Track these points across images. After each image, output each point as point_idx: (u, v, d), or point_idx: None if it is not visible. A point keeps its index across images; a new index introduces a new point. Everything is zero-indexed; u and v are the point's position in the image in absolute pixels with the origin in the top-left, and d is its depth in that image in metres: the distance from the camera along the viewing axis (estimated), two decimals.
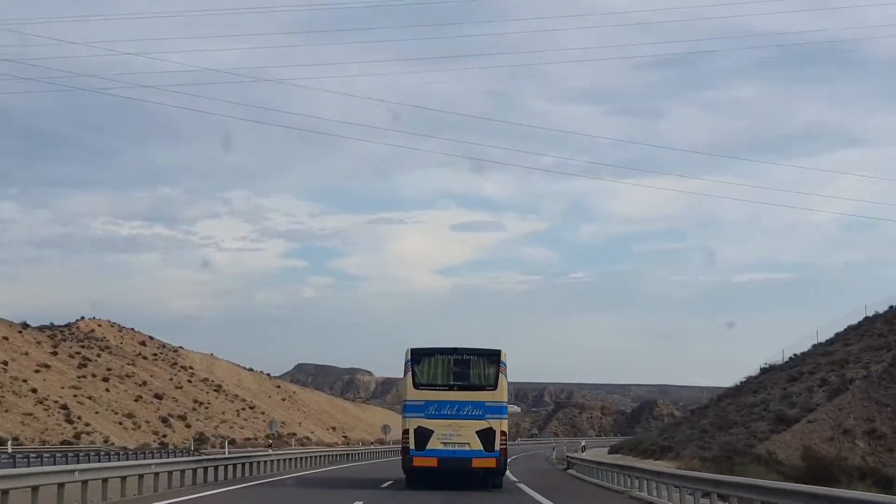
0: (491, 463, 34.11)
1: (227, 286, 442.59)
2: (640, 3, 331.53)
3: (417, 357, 34.89)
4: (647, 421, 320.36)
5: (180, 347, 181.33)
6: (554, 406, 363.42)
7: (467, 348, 35.23)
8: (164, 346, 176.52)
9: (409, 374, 34.57)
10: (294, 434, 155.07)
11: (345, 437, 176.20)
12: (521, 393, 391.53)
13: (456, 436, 33.89)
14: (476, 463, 33.97)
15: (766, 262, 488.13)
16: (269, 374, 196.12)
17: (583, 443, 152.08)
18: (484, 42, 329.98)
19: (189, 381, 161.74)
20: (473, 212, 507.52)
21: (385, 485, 37.57)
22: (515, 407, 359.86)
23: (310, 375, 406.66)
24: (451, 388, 34.35)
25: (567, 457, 59.37)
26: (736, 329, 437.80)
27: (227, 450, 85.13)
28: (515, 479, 43.28)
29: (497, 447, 34.11)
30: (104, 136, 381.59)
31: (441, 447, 34.01)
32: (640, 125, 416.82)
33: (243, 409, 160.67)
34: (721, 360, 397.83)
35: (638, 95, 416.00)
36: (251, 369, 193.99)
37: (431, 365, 34.88)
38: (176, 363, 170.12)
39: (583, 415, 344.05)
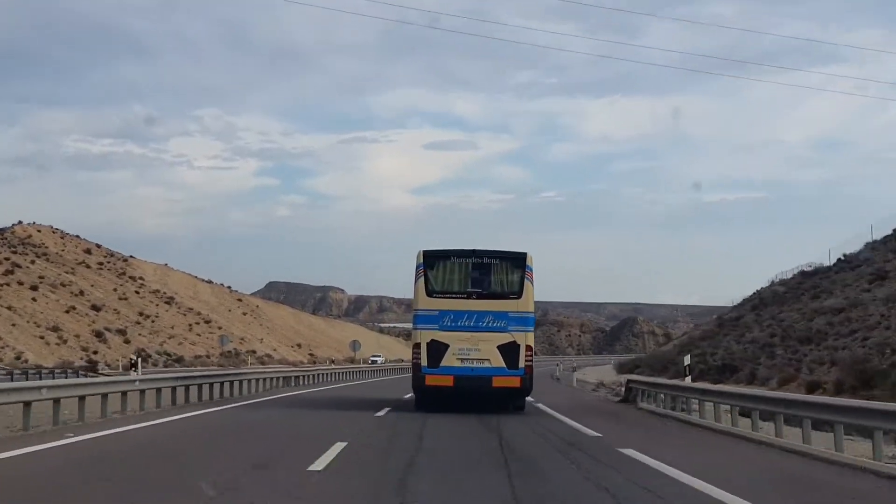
0: (514, 382, 28.96)
1: (199, 205, 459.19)
2: None
3: (431, 260, 29.35)
4: (627, 338, 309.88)
5: (131, 256, 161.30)
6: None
7: (488, 250, 29.74)
8: (111, 255, 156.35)
9: (421, 279, 29.05)
10: (253, 351, 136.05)
11: (311, 354, 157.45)
12: None
13: (474, 351, 28.77)
14: (497, 382, 28.92)
15: (740, 181, 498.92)
16: (229, 287, 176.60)
17: (574, 363, 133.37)
18: None
19: (137, 292, 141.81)
20: (446, 131, 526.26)
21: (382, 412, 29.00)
22: None
23: (281, 293, 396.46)
24: (468, 295, 28.96)
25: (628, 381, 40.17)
26: (709, 248, 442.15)
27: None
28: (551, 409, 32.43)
29: (521, 364, 28.90)
30: (73, 53, 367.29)
31: (458, 364, 28.60)
32: (614, 43, 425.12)
33: (197, 323, 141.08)
34: (695, 280, 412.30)
35: (613, 12, 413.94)
36: (210, 281, 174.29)
37: (447, 269, 29.51)
38: (124, 273, 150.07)
39: (561, 332, 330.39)
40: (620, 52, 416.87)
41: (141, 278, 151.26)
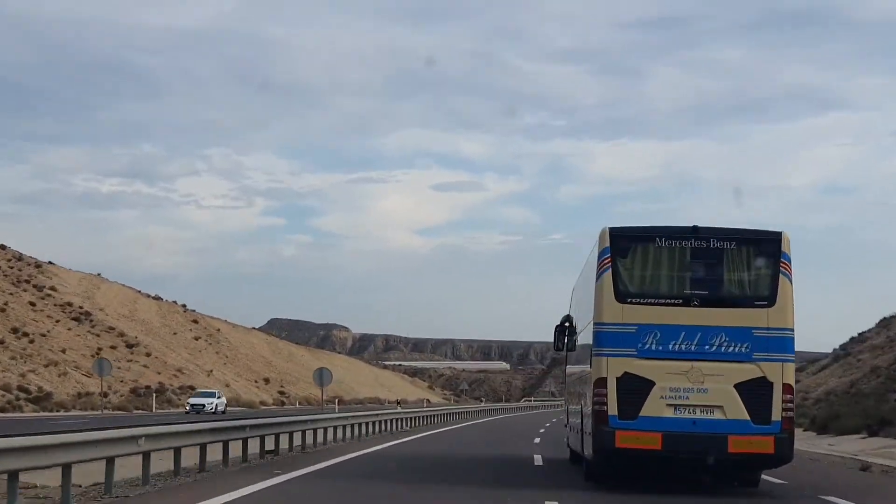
0: (765, 445, 16.88)
1: (206, 244, 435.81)
2: None
3: (623, 243, 17.87)
4: None
5: (49, 263, 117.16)
6: (549, 362, 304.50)
7: (719, 228, 17.90)
8: (20, 259, 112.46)
9: (608, 274, 17.67)
10: (191, 387, 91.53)
11: (281, 392, 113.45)
12: (505, 350, 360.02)
13: (697, 391, 16.97)
14: (736, 444, 16.86)
15: (745, 224, 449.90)
16: (184, 305, 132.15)
17: None
18: (466, 1, 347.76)
19: (32, 303, 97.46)
20: (454, 172, 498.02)
21: None
22: (503, 363, 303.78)
23: (283, 331, 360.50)
24: (687, 301, 17.38)
25: None
26: None
27: None
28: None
29: (777, 415, 16.87)
30: (83, 91, 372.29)
31: (669, 414, 17.06)
32: (622, 86, 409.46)
33: (113, 346, 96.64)
34: None
35: (621, 56, 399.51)
36: (158, 297, 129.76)
37: (650, 258, 17.75)
38: (29, 280, 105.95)
39: None
40: (628, 94, 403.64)
41: (52, 288, 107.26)
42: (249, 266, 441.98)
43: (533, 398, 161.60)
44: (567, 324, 22.73)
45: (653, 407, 16.92)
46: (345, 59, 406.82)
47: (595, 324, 17.73)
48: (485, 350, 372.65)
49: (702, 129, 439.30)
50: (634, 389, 17.04)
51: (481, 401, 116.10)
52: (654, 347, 17.06)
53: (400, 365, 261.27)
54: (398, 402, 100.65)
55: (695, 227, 17.74)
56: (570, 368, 23.86)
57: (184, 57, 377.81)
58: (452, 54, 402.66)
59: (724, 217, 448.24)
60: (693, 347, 16.99)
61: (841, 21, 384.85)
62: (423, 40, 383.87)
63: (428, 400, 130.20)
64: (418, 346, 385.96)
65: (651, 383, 16.97)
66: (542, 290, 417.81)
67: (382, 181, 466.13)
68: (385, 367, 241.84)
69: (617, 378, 17.11)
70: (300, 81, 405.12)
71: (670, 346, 17.04)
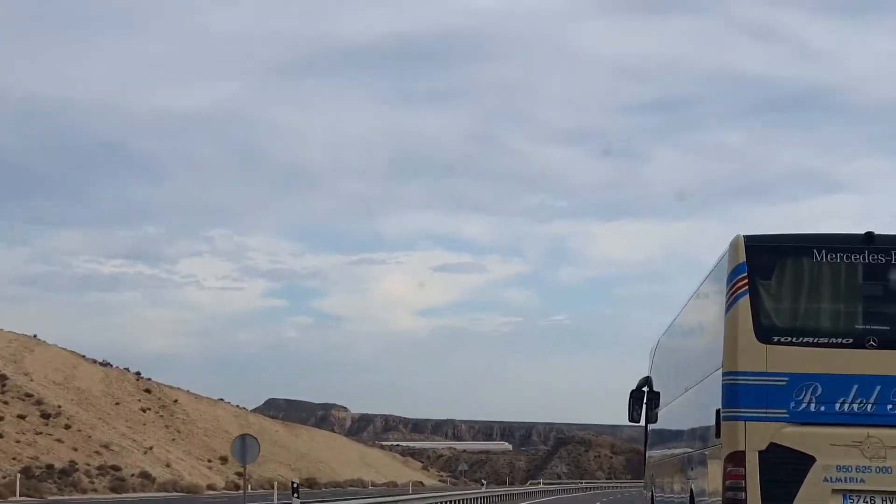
0: None
1: (207, 326, 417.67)
2: (626, 48, 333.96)
3: (766, 260, 13.17)
4: None
5: None
6: (554, 443, 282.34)
7: None
8: None
9: (743, 302, 12.93)
10: (114, 467, 70.53)
11: (238, 474, 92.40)
12: (507, 431, 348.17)
13: (876, 472, 12.38)
14: None
15: None
16: (138, 373, 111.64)
17: None
18: (467, 84, 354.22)
19: None
20: (455, 253, 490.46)
21: None
22: (505, 444, 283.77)
23: (281, 411, 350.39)
24: (859, 340, 12.65)
25: None
26: None
27: None
28: None
29: None
30: (85, 174, 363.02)
31: (837, 503, 12.51)
32: (622, 168, 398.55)
33: (23, 416, 75.95)
34: None
35: (621, 138, 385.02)
36: (106, 363, 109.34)
37: (805, 279, 13.05)
38: None
39: (589, 453, 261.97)
40: (628, 176, 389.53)
41: None
42: (250, 347, 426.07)
43: (542, 480, 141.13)
44: (647, 388, 18.49)
45: (813, 493, 12.17)
46: (347, 141, 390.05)
47: (725, 374, 12.70)
48: (486, 431, 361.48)
49: (703, 211, 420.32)
50: (786, 468, 12.32)
51: (482, 483, 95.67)
52: (813, 408, 12.39)
53: (398, 445, 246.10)
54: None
55: (869, 235, 12.67)
56: (656, 446, 18.34)
57: (187, 140, 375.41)
58: (454, 137, 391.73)
59: None
60: (869, 408, 12.23)
61: (840, 105, 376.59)
62: (425, 123, 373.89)
63: (421, 483, 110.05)
64: (418, 427, 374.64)
65: (810, 459, 12.27)
66: (543, 371, 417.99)
67: (384, 263, 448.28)
68: (381, 446, 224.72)
69: (760, 452, 12.36)
70: (302, 164, 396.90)
71: (837, 406, 12.33)
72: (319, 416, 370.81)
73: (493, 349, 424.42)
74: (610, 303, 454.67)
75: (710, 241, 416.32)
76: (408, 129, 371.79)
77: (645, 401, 19.02)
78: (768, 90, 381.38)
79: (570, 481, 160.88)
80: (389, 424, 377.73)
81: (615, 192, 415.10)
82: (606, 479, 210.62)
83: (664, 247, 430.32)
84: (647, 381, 19.05)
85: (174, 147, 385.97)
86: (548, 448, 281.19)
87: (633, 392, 19.47)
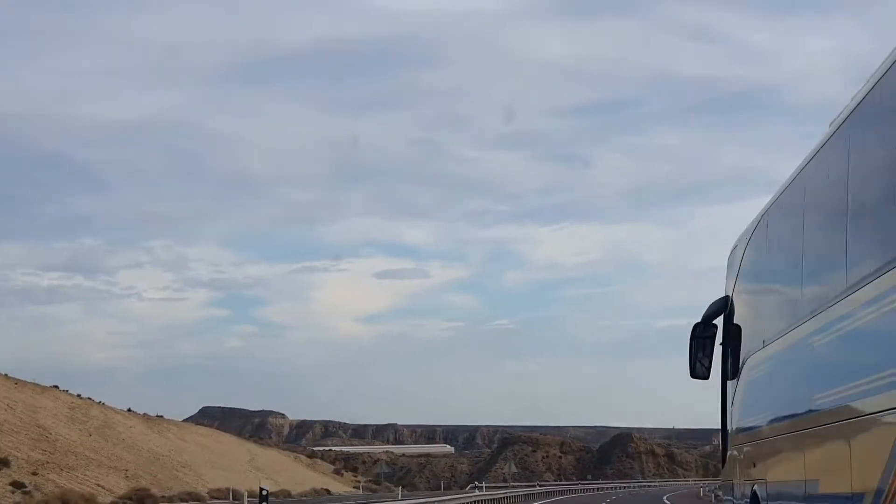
0: None
1: (148, 337, 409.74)
2: (564, 51, 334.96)
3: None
4: (620, 460, 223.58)
5: None
6: (499, 444, 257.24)
7: None
8: None
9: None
10: None
11: (141, 489, 64.50)
12: (450, 434, 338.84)
13: None
14: None
15: (689, 307, 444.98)
16: (6, 375, 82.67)
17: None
18: (408, 89, 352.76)
19: None
20: (398, 259, 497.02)
21: None
22: (447, 447, 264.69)
23: (216, 419, 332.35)
24: None
25: None
26: (664, 373, 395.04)
27: None
28: None
29: None
30: (23, 185, 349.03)
31: None
32: (564, 171, 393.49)
33: None
34: (654, 403, 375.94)
35: (562, 141, 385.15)
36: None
37: None
38: None
39: (537, 453, 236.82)
40: (569, 179, 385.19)
41: None
42: (192, 358, 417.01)
43: (483, 484, 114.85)
44: (731, 322, 11.40)
45: None
46: (288, 149, 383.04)
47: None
48: (429, 435, 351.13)
49: (644, 212, 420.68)
50: None
51: (397, 489, 69.29)
52: None
53: (331, 451, 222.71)
54: None
55: None
56: (759, 414, 10.28)
57: (127, 150, 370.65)
58: (396, 143, 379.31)
59: (667, 302, 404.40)
60: None
61: (776, 104, 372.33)
62: (367, 129, 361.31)
63: (327, 490, 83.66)
64: (359, 433, 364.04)
65: None
66: (487, 375, 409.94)
67: (327, 270, 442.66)
68: (312, 454, 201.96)
69: None
70: (243, 172, 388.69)
71: None
72: (256, 423, 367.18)
73: (437, 354, 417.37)
74: (553, 306, 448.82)
75: (650, 243, 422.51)
76: (350, 136, 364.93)
77: (723, 341, 10.79)
78: (705, 91, 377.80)
79: (523, 484, 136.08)
80: (329, 430, 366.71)
81: (556, 195, 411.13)
82: (556, 480, 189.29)
83: (606, 249, 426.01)
84: (724, 307, 10.86)
85: (113, 157, 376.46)
86: (492, 451, 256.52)
87: (697, 329, 11.08)
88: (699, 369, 12.19)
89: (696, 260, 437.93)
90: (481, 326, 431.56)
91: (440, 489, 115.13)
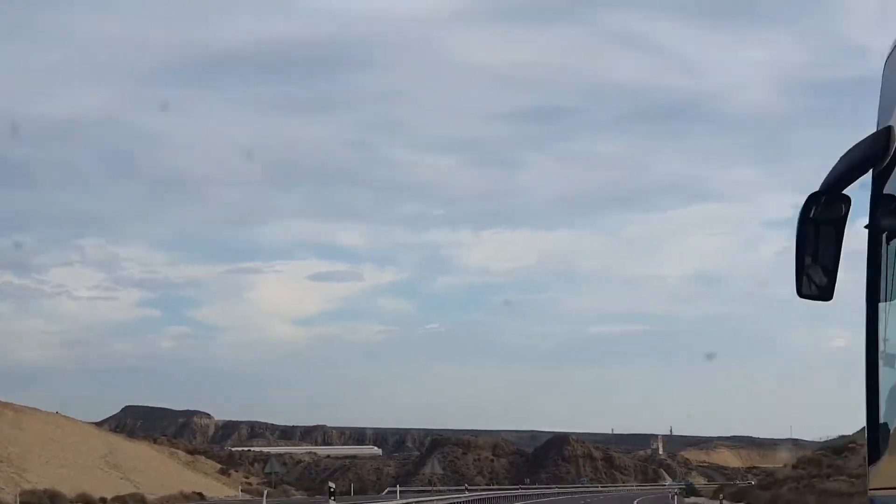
0: None
1: (79, 336, 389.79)
2: (501, 57, 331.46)
3: None
4: (555, 463, 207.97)
5: None
6: (429, 445, 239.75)
7: None
8: None
9: None
10: None
11: None
12: (380, 437, 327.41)
13: None
14: None
15: (623, 314, 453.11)
16: None
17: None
18: (344, 91, 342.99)
19: None
20: (332, 262, 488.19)
21: None
22: (374, 448, 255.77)
23: (139, 419, 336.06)
24: None
25: None
26: (597, 379, 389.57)
27: None
28: None
29: None
30: None
31: None
32: (499, 177, 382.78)
33: None
34: (589, 408, 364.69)
35: (497, 147, 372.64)
36: None
37: None
38: None
39: (468, 456, 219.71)
40: (504, 184, 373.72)
41: None
42: (122, 358, 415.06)
43: (399, 489, 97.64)
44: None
45: None
46: (222, 149, 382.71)
47: None
48: (358, 437, 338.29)
49: (578, 219, 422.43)
50: None
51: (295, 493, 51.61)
52: None
53: (249, 451, 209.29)
54: None
55: None
56: None
57: (60, 147, 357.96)
58: (331, 145, 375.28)
59: (600, 309, 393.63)
60: None
61: (710, 114, 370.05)
62: (303, 130, 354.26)
63: (200, 495, 65.76)
64: (286, 434, 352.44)
65: None
66: (418, 379, 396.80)
67: (260, 272, 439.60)
68: (231, 455, 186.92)
69: None
70: (177, 171, 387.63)
71: None
72: (180, 423, 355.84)
73: (369, 357, 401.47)
74: (485, 311, 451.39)
75: (584, 250, 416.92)
76: (286, 136, 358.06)
77: (871, 223, 5.05)
78: (641, 100, 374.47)
79: (455, 489, 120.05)
80: (255, 431, 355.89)
81: (492, 200, 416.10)
82: (487, 484, 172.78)
83: (539, 255, 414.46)
84: (876, 157, 4.70)
85: (46, 155, 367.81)
86: (421, 453, 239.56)
87: (815, 204, 5.04)
88: (815, 279, 5.87)
89: (629, 268, 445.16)
90: (414, 330, 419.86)
91: (350, 493, 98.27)
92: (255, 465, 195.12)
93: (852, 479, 44.16)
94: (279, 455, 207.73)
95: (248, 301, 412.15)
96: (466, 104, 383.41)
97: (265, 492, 60.98)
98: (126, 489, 60.21)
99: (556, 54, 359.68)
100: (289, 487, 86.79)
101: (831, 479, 49.57)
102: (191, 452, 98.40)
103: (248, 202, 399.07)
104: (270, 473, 72.25)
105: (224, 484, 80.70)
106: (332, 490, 55.55)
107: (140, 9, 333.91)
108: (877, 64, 5.89)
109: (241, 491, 76.61)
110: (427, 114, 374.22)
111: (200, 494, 65.26)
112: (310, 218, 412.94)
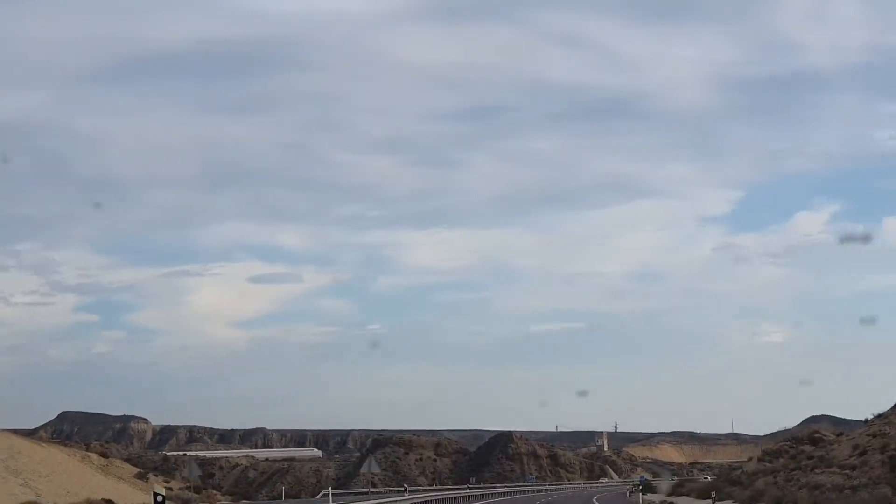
0: None
1: (16, 342, 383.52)
2: (437, 56, 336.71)
3: None
4: (499, 462, 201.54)
5: None
6: (370, 445, 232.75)
7: None
8: None
9: None
10: None
11: None
12: (321, 438, 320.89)
13: None
14: None
15: (562, 311, 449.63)
16: None
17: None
18: (280, 92, 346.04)
19: None
20: (271, 264, 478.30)
21: None
22: (314, 450, 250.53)
23: (76, 424, 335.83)
24: None
25: None
26: (539, 377, 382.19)
27: None
28: None
29: None
30: None
31: None
32: (437, 176, 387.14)
33: None
34: (531, 407, 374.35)
35: (434, 146, 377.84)
36: None
37: None
38: None
39: (409, 456, 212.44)
40: (442, 184, 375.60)
41: None
42: (59, 364, 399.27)
43: (332, 492, 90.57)
44: None
45: None
46: (158, 151, 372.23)
47: None
48: (299, 439, 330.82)
49: (516, 218, 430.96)
50: None
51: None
52: None
53: (185, 455, 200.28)
54: None
55: None
56: None
57: None
58: (269, 146, 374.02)
59: (539, 308, 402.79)
60: None
61: (646, 112, 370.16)
62: (239, 132, 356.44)
63: (109, 501, 58.74)
64: (225, 438, 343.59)
65: None
66: (360, 380, 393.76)
67: (199, 275, 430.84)
68: (167, 459, 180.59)
69: None
70: (112, 174, 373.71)
71: None
72: (118, 428, 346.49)
73: (310, 359, 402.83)
74: (425, 310, 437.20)
75: (522, 248, 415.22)
76: (223, 138, 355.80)
77: None
78: (577, 98, 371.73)
79: (394, 489, 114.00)
80: (194, 435, 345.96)
81: (430, 200, 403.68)
82: (430, 484, 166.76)
83: (478, 254, 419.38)
84: None
85: None
86: (361, 454, 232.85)
87: None
88: None
89: (566, 265, 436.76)
90: (354, 331, 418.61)
91: (281, 497, 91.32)
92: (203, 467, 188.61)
93: (846, 472, 38.44)
94: (214, 459, 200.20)
95: (187, 304, 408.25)
96: (403, 104, 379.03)
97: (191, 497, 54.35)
98: (25, 496, 53.01)
99: (491, 53, 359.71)
100: (215, 493, 79.49)
101: (817, 471, 43.76)
102: (104, 455, 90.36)
103: (185, 204, 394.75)
104: (190, 476, 65.12)
105: (140, 490, 73.41)
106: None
107: (72, 9, 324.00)
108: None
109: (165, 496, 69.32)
110: (364, 114, 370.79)
111: (109, 502, 58.15)
112: (248, 220, 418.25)
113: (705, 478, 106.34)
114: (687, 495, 64.48)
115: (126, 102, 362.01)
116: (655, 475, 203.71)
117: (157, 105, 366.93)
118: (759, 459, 63.30)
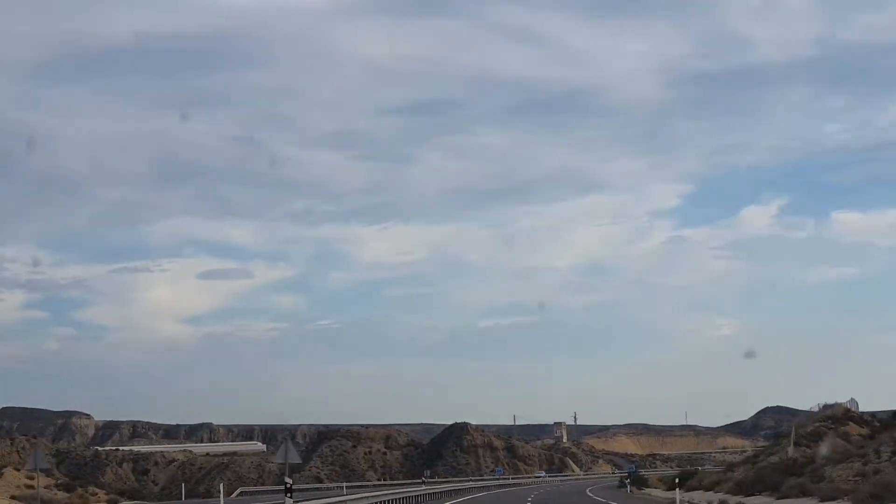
0: None
1: None
2: (386, 51, 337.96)
3: None
4: (453, 455, 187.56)
5: None
6: (316, 437, 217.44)
7: None
8: None
9: None
10: None
11: None
12: (269, 433, 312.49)
13: None
14: None
15: (514, 305, 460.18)
16: None
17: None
18: (230, 88, 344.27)
19: None
20: (221, 260, 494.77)
21: None
22: (257, 444, 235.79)
23: (15, 420, 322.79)
24: None
25: None
26: (492, 370, 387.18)
27: None
28: None
29: None
30: None
31: None
32: (388, 171, 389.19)
33: None
34: (485, 400, 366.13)
35: (385, 141, 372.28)
36: None
37: None
38: None
39: (358, 449, 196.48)
40: (394, 179, 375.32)
41: None
42: (5, 361, 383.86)
43: (240, 489, 75.54)
44: None
45: None
46: (106, 146, 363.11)
47: None
48: (246, 434, 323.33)
49: (467, 212, 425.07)
50: None
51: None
52: None
53: (117, 450, 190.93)
54: None
55: None
56: None
57: None
58: (218, 141, 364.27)
59: (490, 302, 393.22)
60: None
61: (597, 106, 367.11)
62: (189, 127, 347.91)
63: None
64: (170, 433, 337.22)
65: None
66: (310, 375, 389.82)
67: (148, 271, 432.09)
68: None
69: None
70: (60, 170, 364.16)
71: None
72: (59, 424, 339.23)
73: (260, 355, 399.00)
74: (377, 305, 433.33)
75: (473, 243, 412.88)
76: (172, 133, 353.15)
77: None
78: (528, 92, 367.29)
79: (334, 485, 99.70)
80: (138, 431, 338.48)
81: (381, 195, 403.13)
82: (380, 479, 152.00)
83: (430, 249, 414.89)
84: None
85: None
86: (306, 447, 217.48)
87: None
88: None
89: (516, 260, 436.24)
90: (306, 326, 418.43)
91: (181, 497, 75.15)
92: (124, 465, 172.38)
93: None
94: (150, 454, 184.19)
95: (136, 300, 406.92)
96: (353, 99, 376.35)
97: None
98: None
99: (442, 48, 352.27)
100: (96, 491, 63.14)
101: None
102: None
103: (134, 200, 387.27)
104: (36, 470, 48.65)
105: (25, 491, 57.39)
106: None
107: (22, 5, 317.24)
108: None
109: (12, 498, 52.98)
110: (314, 109, 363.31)
111: None
112: (198, 215, 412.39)
113: (699, 468, 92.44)
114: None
115: (75, 97, 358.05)
116: (618, 467, 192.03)
117: (106, 100, 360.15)
118: (796, 445, 48.80)
